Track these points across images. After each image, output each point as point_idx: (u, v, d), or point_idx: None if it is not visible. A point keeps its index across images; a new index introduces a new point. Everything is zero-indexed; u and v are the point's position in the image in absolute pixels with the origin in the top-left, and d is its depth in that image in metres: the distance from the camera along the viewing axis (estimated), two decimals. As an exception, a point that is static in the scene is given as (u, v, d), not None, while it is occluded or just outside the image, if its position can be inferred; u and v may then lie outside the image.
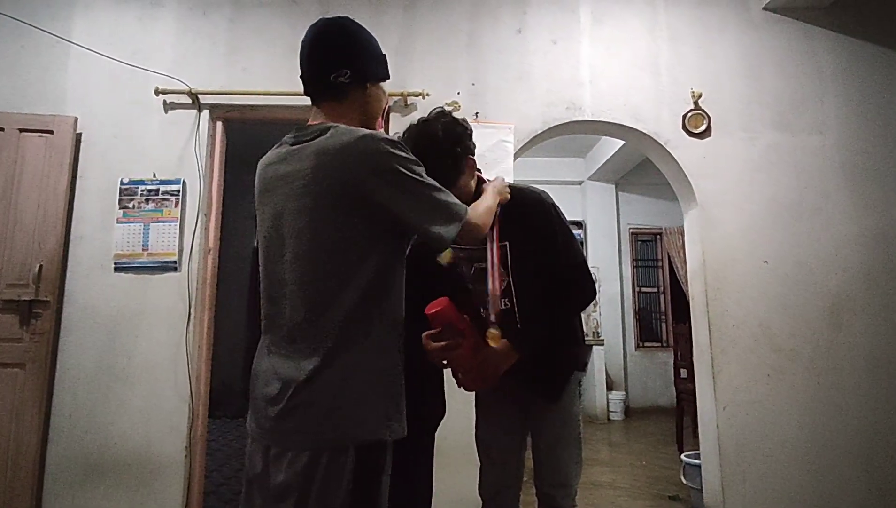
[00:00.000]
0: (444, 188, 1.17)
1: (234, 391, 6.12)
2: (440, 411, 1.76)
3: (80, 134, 2.88)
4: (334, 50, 1.21)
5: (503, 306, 1.54)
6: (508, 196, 1.49)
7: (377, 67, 1.28)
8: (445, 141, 1.40)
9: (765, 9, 3.19)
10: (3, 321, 2.67)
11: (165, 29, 3.03)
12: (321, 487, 0.94)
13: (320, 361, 1.00)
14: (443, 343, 1.34)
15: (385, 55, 1.32)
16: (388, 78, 1.32)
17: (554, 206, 1.57)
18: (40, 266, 2.70)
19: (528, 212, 1.54)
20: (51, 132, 2.81)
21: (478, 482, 1.73)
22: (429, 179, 1.14)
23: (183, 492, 2.69)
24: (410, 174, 1.10)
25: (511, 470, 1.70)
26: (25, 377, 2.64)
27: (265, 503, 1.01)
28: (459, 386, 1.51)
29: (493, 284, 1.51)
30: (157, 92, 2.90)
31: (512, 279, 1.54)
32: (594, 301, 6.49)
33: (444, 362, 1.43)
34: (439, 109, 1.48)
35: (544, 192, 1.60)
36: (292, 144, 1.16)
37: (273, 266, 1.12)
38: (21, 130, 2.79)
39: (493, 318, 1.52)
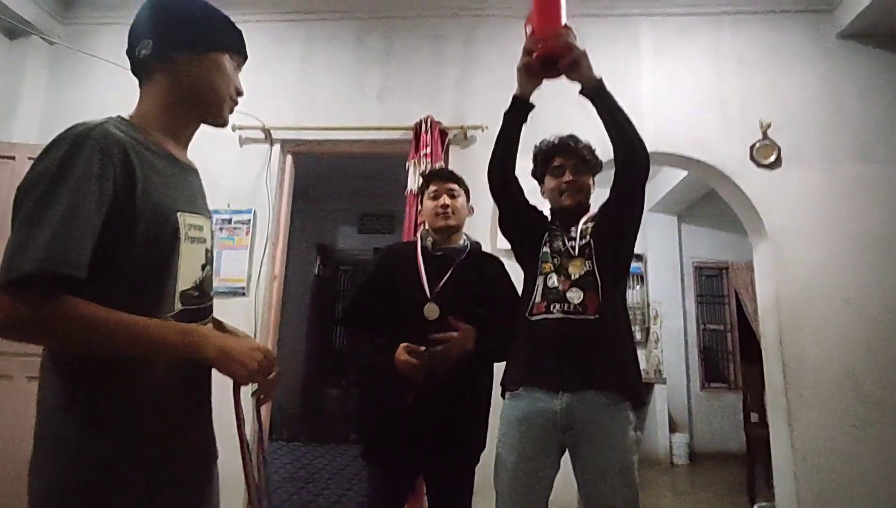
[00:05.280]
0: (54, 223, 0.77)
1: (291, 415, 6.25)
2: (481, 443, 1.73)
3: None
4: (141, 16, 0.98)
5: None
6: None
7: (191, 32, 0.97)
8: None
9: (839, 36, 3.07)
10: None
11: (245, 69, 3.24)
12: None
13: None
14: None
15: (220, 21, 1.01)
16: (220, 48, 0.99)
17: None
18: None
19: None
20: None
21: None
22: (54, 204, 0.78)
23: (242, 514, 2.74)
24: (28, 189, 0.80)
25: None
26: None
27: None
28: None
29: None
30: (234, 128, 3.10)
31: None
32: (655, 337, 6.26)
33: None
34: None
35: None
36: None
37: None
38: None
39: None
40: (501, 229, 1.79)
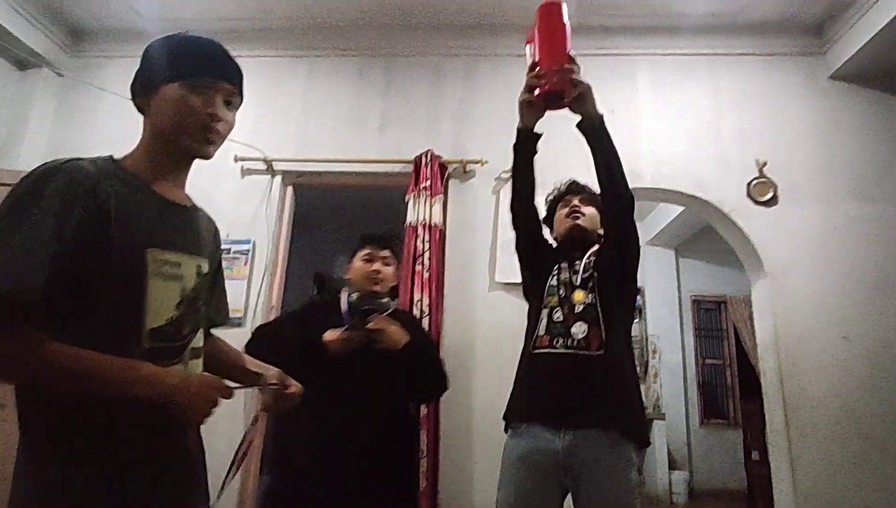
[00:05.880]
0: (30, 242, 0.79)
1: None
2: None
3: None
4: (141, 62, 1.01)
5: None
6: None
7: (150, 69, 0.98)
8: None
9: (832, 77, 3.14)
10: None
11: (246, 100, 3.29)
12: None
13: None
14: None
15: (182, 51, 0.99)
16: (177, 79, 0.95)
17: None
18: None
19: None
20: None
21: None
22: (13, 233, 0.79)
23: (231, 551, 2.67)
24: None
25: None
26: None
27: None
28: None
29: None
30: (236, 159, 3.13)
31: None
32: (654, 371, 6.20)
33: None
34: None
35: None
36: None
37: None
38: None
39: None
40: (520, 260, 1.82)
